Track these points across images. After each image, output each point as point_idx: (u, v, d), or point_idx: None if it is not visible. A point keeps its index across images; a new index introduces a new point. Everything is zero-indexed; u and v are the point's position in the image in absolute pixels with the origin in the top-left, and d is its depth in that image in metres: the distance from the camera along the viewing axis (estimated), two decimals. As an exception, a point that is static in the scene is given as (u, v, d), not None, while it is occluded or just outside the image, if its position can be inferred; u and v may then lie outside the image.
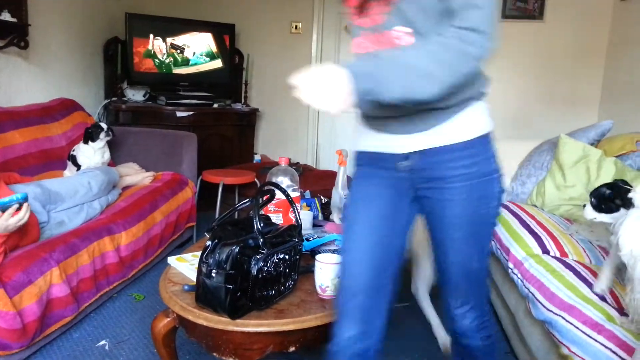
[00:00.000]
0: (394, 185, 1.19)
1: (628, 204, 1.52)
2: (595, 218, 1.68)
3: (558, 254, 1.99)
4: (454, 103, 1.10)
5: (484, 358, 1.29)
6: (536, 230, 2.17)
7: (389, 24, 1.08)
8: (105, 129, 2.76)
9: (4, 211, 1.73)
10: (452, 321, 1.28)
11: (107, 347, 2.01)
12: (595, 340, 1.37)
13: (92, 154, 2.72)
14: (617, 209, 1.61)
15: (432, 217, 1.21)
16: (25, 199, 1.80)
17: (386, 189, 1.20)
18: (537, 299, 1.69)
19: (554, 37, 4.02)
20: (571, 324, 1.46)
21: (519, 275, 1.93)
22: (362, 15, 1.12)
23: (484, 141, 1.15)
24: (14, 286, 1.71)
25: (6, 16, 2.59)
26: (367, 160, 1.24)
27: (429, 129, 1.12)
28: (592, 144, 2.67)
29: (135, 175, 2.89)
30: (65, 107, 3.04)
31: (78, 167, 2.68)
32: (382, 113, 1.15)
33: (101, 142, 2.76)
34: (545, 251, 2.01)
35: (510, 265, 2.04)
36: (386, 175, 1.19)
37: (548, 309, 1.59)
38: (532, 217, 2.33)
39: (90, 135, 2.74)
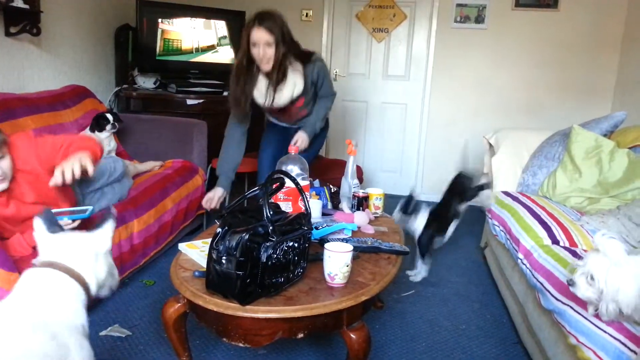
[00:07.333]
0: None
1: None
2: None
3: (567, 244, 1.98)
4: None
5: None
6: (546, 221, 2.16)
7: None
8: (112, 122, 2.80)
9: (73, 220, 1.80)
10: None
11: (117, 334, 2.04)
12: (604, 332, 1.36)
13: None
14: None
15: None
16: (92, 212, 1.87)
17: None
18: (546, 289, 1.69)
19: (569, 26, 3.97)
20: (580, 314, 1.46)
21: (528, 266, 1.93)
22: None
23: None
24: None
25: (19, 3, 2.60)
26: None
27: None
28: (605, 135, 2.64)
29: (146, 163, 2.92)
30: (76, 94, 3.06)
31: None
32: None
33: (106, 133, 2.80)
34: (555, 241, 2.00)
35: (520, 255, 2.04)
36: None
37: (557, 299, 1.59)
38: (542, 208, 2.32)
39: (98, 125, 2.77)
